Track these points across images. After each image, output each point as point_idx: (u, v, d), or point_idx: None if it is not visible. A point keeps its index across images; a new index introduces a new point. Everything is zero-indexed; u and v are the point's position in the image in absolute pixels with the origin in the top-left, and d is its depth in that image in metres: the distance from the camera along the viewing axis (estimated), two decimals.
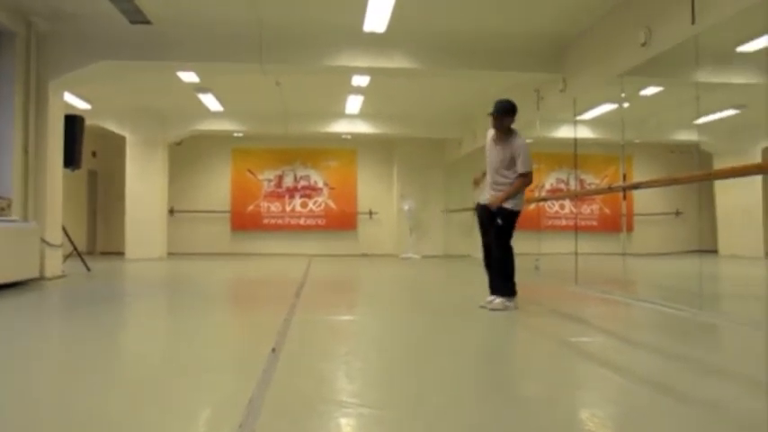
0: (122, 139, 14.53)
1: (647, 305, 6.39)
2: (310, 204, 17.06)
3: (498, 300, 5.83)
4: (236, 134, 15.51)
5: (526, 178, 5.90)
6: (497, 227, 5.92)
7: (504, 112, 5.98)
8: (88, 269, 10.18)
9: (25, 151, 8.35)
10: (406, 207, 16.25)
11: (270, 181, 16.96)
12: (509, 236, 5.96)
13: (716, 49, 7.38)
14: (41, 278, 8.27)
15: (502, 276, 5.90)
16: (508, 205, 5.88)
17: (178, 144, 15.89)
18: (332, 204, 17.12)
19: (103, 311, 6.03)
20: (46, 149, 8.59)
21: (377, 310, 6.31)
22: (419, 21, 8.50)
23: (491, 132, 6.16)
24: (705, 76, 7.21)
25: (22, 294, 7.01)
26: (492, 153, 6.10)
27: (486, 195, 6.09)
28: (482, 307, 5.82)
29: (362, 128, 15.04)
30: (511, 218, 5.92)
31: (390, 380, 3.36)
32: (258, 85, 11.34)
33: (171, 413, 2.67)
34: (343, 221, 17.11)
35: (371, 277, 10.83)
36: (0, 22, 7.86)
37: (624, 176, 9.26)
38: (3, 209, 7.71)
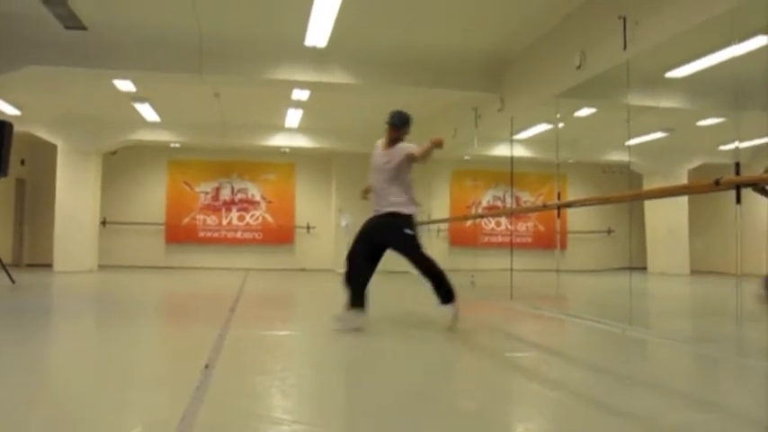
0: (54, 147, 14.10)
1: (579, 321, 6.53)
2: (247, 218, 16.87)
3: (452, 310, 5.65)
4: (172, 145, 15.24)
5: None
6: (410, 237, 5.74)
7: (403, 123, 6.02)
8: (13, 281, 9.81)
9: None
10: (343, 223, 16.22)
11: (206, 193, 16.71)
12: (419, 242, 5.82)
13: (646, 74, 7.67)
14: None
15: (441, 283, 5.66)
16: (407, 211, 5.77)
17: (113, 154, 15.53)
18: (269, 218, 16.97)
19: (28, 326, 5.81)
20: None
21: (313, 326, 6.28)
22: (360, 37, 8.56)
23: (379, 144, 6.13)
24: (636, 100, 7.46)
25: None
26: (380, 164, 5.98)
27: (378, 207, 5.88)
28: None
29: (301, 141, 14.99)
30: (413, 222, 5.81)
31: (325, 396, 3.34)
32: (197, 95, 11.20)
33: (102, 428, 2.59)
34: (280, 235, 16.97)
35: (308, 292, 10.76)
36: None
37: (558, 195, 9.48)
38: None
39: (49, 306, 7.87)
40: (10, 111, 11.70)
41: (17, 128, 10.04)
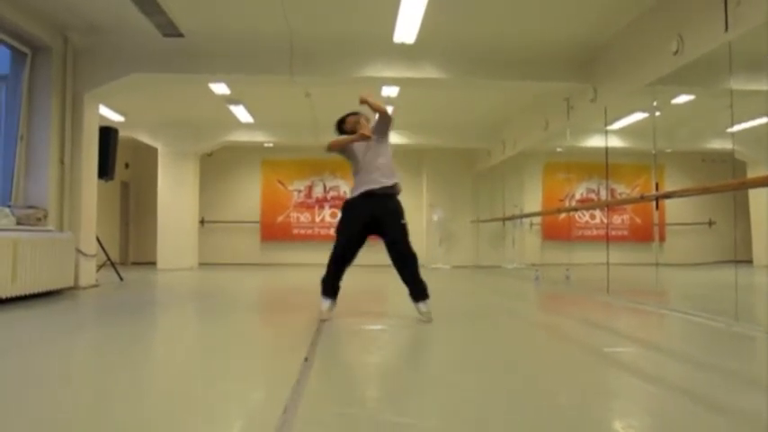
0: (155, 150, 14.74)
1: (680, 315, 6.30)
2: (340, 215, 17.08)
3: (427, 306, 5.73)
4: (266, 145, 15.62)
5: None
6: (403, 226, 5.81)
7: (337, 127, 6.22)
8: (121, 279, 10.31)
9: (61, 163, 8.51)
10: (435, 217, 16.23)
11: (299, 191, 17.05)
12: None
13: (750, 55, 7.29)
14: (75, 287, 8.40)
15: (419, 277, 5.80)
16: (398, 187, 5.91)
17: (209, 155, 16.08)
18: None
19: (136, 320, 6.10)
20: (81, 161, 8.75)
21: (407, 321, 6.29)
22: (449, 31, 8.52)
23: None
24: (739, 84, 7.11)
25: (57, 303, 7.13)
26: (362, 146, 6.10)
27: (372, 185, 5.87)
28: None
29: (392, 138, 14.94)
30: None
31: (425, 389, 3.35)
32: (288, 96, 11.44)
33: (205, 422, 2.69)
34: None
35: (400, 287, 10.80)
36: (37, 37, 8.05)
37: (657, 186, 9.16)
38: (39, 219, 7.85)
39: (155, 301, 8.23)
40: (115, 117, 12.29)
41: (121, 133, 10.57)
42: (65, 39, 8.52)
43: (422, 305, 5.76)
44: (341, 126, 6.22)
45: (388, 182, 5.85)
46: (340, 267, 6.01)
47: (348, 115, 6.18)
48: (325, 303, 5.87)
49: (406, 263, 5.82)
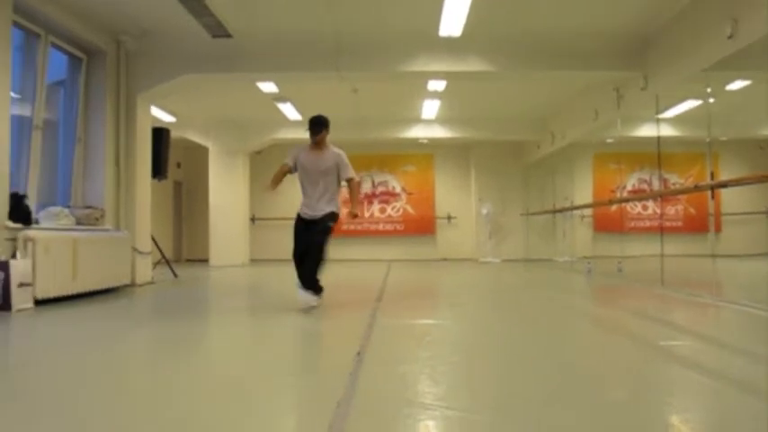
0: (205, 149, 14.99)
1: (739, 307, 6.15)
2: (389, 210, 17.16)
3: (314, 297, 6.19)
4: None
5: (356, 182, 6.64)
6: (328, 228, 6.49)
7: (326, 126, 6.60)
8: (175, 276, 10.53)
9: (117, 164, 8.73)
10: (484, 211, 16.15)
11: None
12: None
13: None
14: (132, 284, 8.61)
15: (316, 274, 6.32)
16: (335, 209, 6.60)
17: (258, 153, 16.26)
18: (410, 209, 17.18)
19: (192, 316, 6.24)
20: (135, 161, 8.96)
21: (459, 314, 6.29)
22: (494, 23, 8.46)
23: (302, 148, 6.67)
24: None
25: (116, 300, 7.33)
26: (311, 165, 6.59)
27: (311, 210, 6.68)
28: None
29: (439, 132, 15.03)
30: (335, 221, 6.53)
31: (476, 383, 3.35)
32: (335, 92, 11.50)
33: (263, 414, 2.74)
34: (421, 226, 17.14)
35: (451, 281, 10.80)
36: (93, 43, 8.27)
37: (712, 175, 8.95)
38: (97, 219, 8.07)
39: (209, 297, 8.38)
40: (166, 118, 12.53)
41: (173, 133, 10.78)
42: (118, 43, 8.74)
43: (306, 294, 6.23)
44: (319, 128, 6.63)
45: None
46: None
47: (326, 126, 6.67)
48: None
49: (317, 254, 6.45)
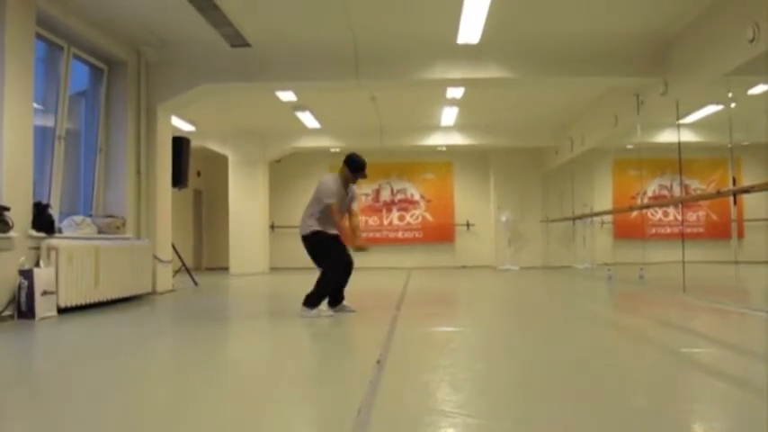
0: (225, 158, 15.09)
1: (763, 315, 6.08)
2: (408, 217, 17.16)
3: (313, 313, 6.31)
4: (332, 150, 15.79)
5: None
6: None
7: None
8: (196, 284, 10.59)
9: (138, 173, 8.81)
10: (503, 218, 16.10)
11: (367, 195, 17.16)
12: None
13: None
14: (153, 292, 8.68)
15: (313, 290, 6.58)
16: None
17: (278, 162, 16.35)
18: (429, 217, 17.17)
19: (213, 324, 6.27)
20: (156, 170, 9.04)
21: (479, 322, 6.27)
22: (513, 30, 8.45)
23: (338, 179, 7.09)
24: None
25: (137, 307, 7.39)
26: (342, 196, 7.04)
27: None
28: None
29: (458, 139, 15.02)
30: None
31: (496, 391, 3.34)
32: (354, 101, 11.55)
33: (283, 421, 2.75)
34: (440, 234, 17.12)
35: (471, 289, 10.77)
36: (114, 54, 8.36)
37: (734, 180, 8.86)
38: (118, 227, 8.15)
39: (229, 305, 8.42)
40: (186, 127, 12.64)
41: (193, 142, 10.86)
42: (138, 54, 8.83)
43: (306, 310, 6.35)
44: (357, 168, 7.14)
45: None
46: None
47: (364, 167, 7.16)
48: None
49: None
